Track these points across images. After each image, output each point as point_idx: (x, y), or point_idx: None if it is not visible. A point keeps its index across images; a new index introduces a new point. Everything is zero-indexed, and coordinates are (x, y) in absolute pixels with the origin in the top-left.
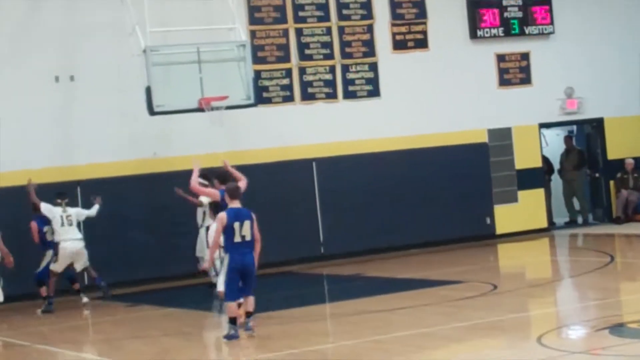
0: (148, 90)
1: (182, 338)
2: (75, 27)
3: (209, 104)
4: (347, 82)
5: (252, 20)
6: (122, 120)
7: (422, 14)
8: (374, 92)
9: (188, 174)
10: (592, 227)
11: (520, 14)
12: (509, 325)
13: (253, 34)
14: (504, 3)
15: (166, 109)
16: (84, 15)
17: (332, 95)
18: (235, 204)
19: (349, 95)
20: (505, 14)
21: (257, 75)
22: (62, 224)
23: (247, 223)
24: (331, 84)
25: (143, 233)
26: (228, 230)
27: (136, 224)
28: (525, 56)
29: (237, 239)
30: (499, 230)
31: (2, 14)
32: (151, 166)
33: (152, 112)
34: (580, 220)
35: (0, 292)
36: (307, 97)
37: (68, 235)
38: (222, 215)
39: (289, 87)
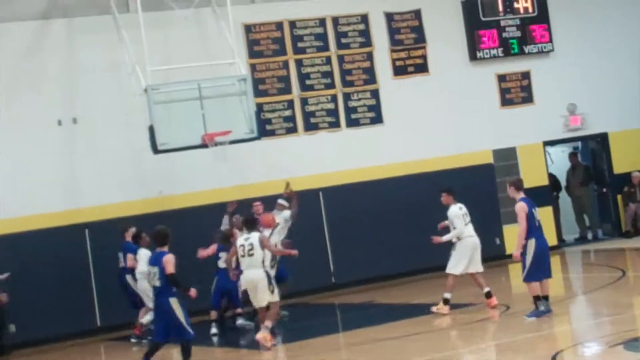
0: (151, 129)
1: None
2: (76, 69)
3: (212, 140)
4: (349, 110)
5: (252, 54)
6: (126, 160)
7: (420, 38)
8: (377, 119)
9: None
10: (603, 242)
11: (519, 34)
12: (524, 346)
13: (253, 68)
14: (502, 23)
15: (170, 147)
16: (84, 56)
17: (335, 124)
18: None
19: (352, 123)
20: (504, 34)
21: (259, 108)
22: None
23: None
24: (333, 113)
25: None
26: None
27: None
28: (526, 75)
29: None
30: (509, 250)
31: (1, 58)
32: (158, 205)
33: (155, 150)
34: (590, 236)
35: None
36: (310, 127)
37: None
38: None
39: (292, 119)
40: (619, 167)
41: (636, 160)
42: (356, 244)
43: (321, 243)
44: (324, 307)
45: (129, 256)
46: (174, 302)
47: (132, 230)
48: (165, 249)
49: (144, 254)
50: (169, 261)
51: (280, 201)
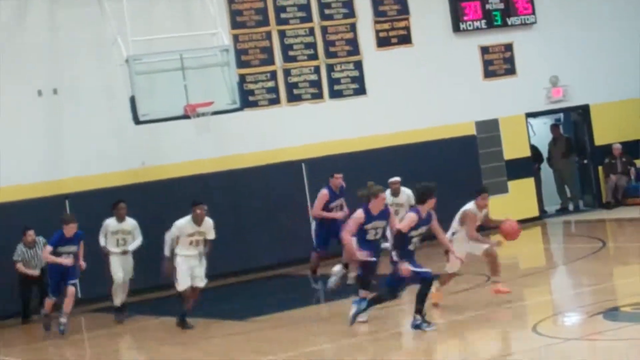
0: (132, 100)
1: (183, 346)
2: (57, 40)
3: (194, 111)
4: (332, 82)
5: (235, 25)
6: (107, 131)
7: (404, 10)
8: (360, 90)
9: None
10: (583, 214)
11: (502, 5)
12: (504, 316)
13: (236, 38)
14: None
15: (152, 118)
16: (65, 27)
17: (318, 96)
18: None
19: (335, 94)
20: (487, 6)
21: (242, 79)
22: None
23: None
24: (317, 84)
25: None
26: None
27: None
28: (508, 47)
29: None
30: None
31: None
32: (140, 176)
33: (137, 121)
34: (571, 207)
35: None
36: (293, 98)
37: None
38: None
39: (275, 90)
40: (600, 139)
41: (617, 132)
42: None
43: (304, 214)
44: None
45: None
46: None
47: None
48: None
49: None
50: None
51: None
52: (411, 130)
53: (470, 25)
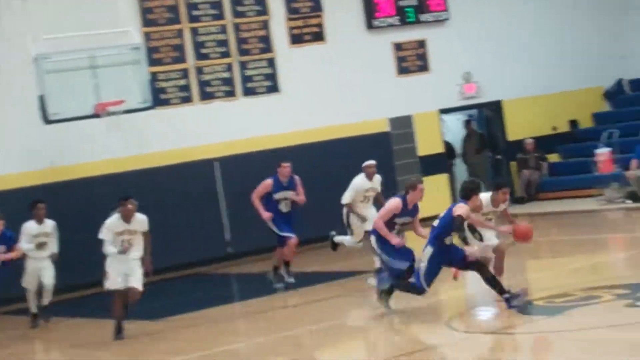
0: (41, 99)
1: (93, 348)
2: None
3: (105, 110)
4: (245, 79)
5: (146, 22)
6: (16, 130)
7: (317, 7)
8: (273, 88)
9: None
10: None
11: (415, 2)
12: (418, 311)
13: (147, 36)
14: None
15: (61, 117)
16: None
17: (231, 94)
18: None
19: (248, 92)
20: (400, 3)
21: (154, 77)
22: None
23: None
24: (229, 82)
25: None
26: None
27: None
28: (422, 43)
29: None
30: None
31: None
32: (49, 176)
33: (47, 120)
34: None
35: None
36: (206, 96)
37: None
38: None
39: (187, 88)
40: (512, 134)
41: (529, 128)
42: (253, 214)
43: (216, 213)
44: (220, 277)
45: None
46: None
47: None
48: None
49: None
50: None
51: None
52: (325, 127)
53: (383, 22)
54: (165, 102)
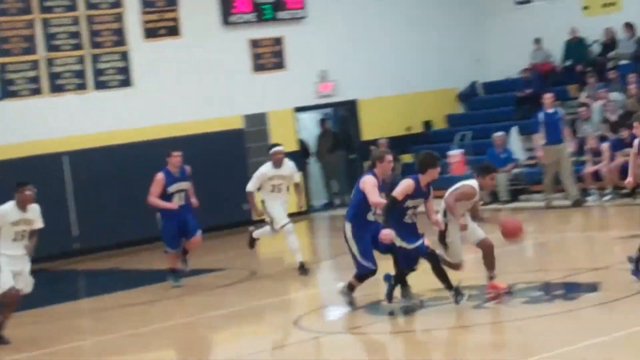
0: None
1: None
2: None
3: None
4: (97, 73)
5: None
6: None
7: (172, 1)
8: (126, 82)
9: None
10: None
11: None
12: (266, 310)
13: None
14: None
15: None
16: None
17: (82, 86)
18: None
19: (100, 85)
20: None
21: (3, 68)
22: None
23: None
24: (81, 74)
25: None
26: None
27: None
28: (278, 41)
29: None
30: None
31: None
32: None
33: None
34: (337, 201)
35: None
36: (56, 89)
37: None
38: None
39: (37, 80)
40: (367, 134)
41: (384, 127)
42: (102, 209)
43: (64, 208)
44: (66, 273)
45: None
46: None
47: None
48: None
49: None
50: None
51: None
52: (178, 123)
53: (240, 18)
54: (13, 94)
